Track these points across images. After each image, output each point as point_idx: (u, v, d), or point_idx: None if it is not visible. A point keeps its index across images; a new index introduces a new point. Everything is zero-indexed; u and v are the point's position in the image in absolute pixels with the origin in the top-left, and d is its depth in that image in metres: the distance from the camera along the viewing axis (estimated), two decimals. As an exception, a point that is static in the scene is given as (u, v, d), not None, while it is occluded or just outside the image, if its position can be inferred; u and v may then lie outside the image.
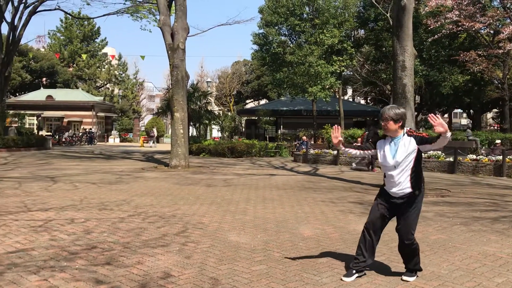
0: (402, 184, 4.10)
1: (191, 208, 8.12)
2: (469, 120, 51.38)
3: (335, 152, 19.78)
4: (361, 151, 4.43)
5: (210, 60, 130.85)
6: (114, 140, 49.04)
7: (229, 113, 47.69)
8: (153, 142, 40.57)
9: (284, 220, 7.19)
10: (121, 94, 60.98)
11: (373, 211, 4.32)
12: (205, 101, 29.21)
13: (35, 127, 44.99)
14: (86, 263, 4.66)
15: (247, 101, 60.52)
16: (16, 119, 40.30)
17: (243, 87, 55.72)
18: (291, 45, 29.68)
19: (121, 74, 62.80)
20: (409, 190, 4.11)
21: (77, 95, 48.94)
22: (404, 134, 4.11)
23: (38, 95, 47.42)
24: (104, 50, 60.89)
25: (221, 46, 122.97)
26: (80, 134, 43.09)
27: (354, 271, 4.29)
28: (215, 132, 46.99)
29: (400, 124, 4.08)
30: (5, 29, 29.11)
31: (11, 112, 36.00)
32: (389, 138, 4.18)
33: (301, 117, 36.16)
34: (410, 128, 4.28)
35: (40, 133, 40.82)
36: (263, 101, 58.71)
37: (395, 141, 4.13)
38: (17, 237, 5.70)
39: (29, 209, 7.69)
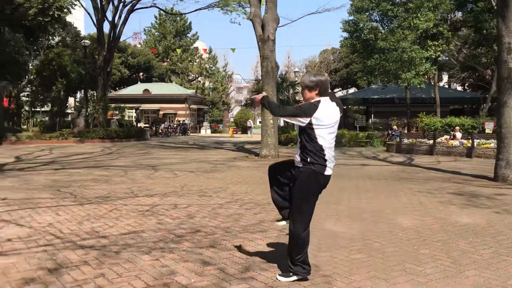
0: (296, 154, 3.85)
1: (285, 196, 8.22)
2: None
3: (431, 141, 18.92)
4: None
5: (297, 50, 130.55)
6: (205, 131, 50.82)
7: (317, 103, 47.24)
8: (250, 132, 42.55)
9: (380, 210, 7.06)
10: (211, 86, 62.95)
11: None
12: (293, 91, 29.27)
13: (133, 119, 47.92)
14: (192, 246, 4.94)
15: (335, 90, 59.68)
16: (117, 112, 43.26)
17: (331, 76, 54.99)
18: (383, 31, 28.70)
19: (212, 67, 64.79)
20: (298, 161, 3.83)
21: (171, 88, 51.36)
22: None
23: (136, 89, 50.43)
24: (195, 45, 63.14)
25: (308, 35, 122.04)
26: (175, 125, 45.20)
27: None
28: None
29: (316, 91, 3.80)
30: (106, 27, 31.23)
31: (112, 105, 38.67)
32: None
33: (393, 105, 34.96)
34: (319, 100, 3.80)
35: (139, 125, 43.41)
36: (351, 90, 57.59)
37: None
38: (128, 220, 6.16)
39: (136, 195, 8.26)
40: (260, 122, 67.50)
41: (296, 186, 3.82)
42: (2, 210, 6.75)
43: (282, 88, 27.53)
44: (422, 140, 19.79)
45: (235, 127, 48.89)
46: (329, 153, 3.78)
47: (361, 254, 4.70)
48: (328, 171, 3.79)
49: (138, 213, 6.62)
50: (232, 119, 59.78)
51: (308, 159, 3.74)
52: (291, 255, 3.86)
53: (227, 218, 6.34)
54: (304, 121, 3.69)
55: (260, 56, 16.67)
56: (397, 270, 4.21)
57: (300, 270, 3.85)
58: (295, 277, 3.86)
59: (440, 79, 48.19)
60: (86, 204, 7.30)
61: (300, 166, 3.79)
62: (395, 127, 23.90)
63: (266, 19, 16.38)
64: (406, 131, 26.54)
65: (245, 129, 47.52)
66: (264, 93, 4.07)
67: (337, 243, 5.11)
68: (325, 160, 3.75)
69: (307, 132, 3.72)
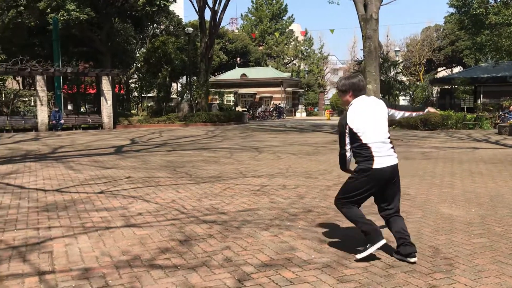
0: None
1: (393, 179, 8.09)
2: None
3: (551, 123, 17.33)
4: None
5: (396, 28, 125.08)
6: (300, 114, 50.89)
7: (418, 83, 45.20)
8: None
9: (498, 195, 6.71)
10: (307, 69, 62.67)
11: None
12: (394, 71, 28.24)
13: (231, 103, 49.32)
14: (307, 224, 5.10)
15: (438, 69, 56.50)
16: (217, 96, 44.86)
17: (434, 55, 52.09)
18: (495, 4, 26.54)
19: (307, 50, 64.41)
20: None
21: (267, 72, 51.98)
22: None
23: (234, 74, 51.76)
24: (291, 27, 63.11)
25: (409, 13, 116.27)
26: (271, 109, 45.81)
27: None
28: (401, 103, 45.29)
29: (349, 94, 3.95)
30: (207, 15, 32.33)
31: (213, 90, 40.13)
32: None
33: (506, 84, 32.27)
34: (352, 102, 3.95)
35: (236, 108, 44.63)
36: (456, 69, 54.11)
37: None
38: (242, 199, 6.48)
39: (245, 175, 8.62)
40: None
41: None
42: (129, 187, 7.43)
43: (384, 68, 26.65)
44: (541, 122, 18.20)
45: (331, 109, 48.39)
46: (378, 147, 3.85)
47: (482, 238, 4.55)
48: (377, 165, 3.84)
49: (250, 192, 6.93)
50: (327, 102, 59.21)
51: (358, 159, 3.93)
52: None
53: (337, 199, 6.41)
54: (348, 131, 3.87)
55: (362, 36, 16.31)
56: (525, 256, 4.03)
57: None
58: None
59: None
60: (201, 183, 7.78)
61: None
62: (511, 108, 22.10)
63: (369, -3, 15.95)
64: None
65: (341, 112, 46.88)
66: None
67: (455, 227, 4.98)
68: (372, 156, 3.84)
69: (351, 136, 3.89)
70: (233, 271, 3.69)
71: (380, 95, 25.54)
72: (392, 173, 3.95)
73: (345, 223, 5.13)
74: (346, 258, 3.99)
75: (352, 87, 3.94)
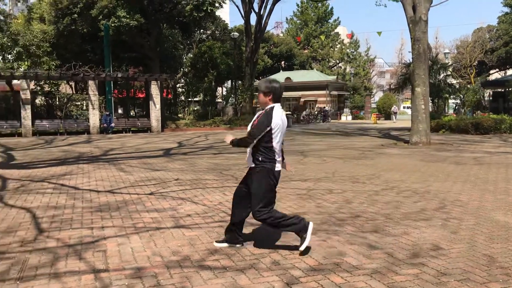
0: (249, 156, 4.21)
1: (444, 185, 7.88)
2: None
3: None
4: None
5: (446, 30, 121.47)
6: (346, 117, 50.25)
7: (469, 86, 43.67)
8: (395, 118, 42.63)
9: (559, 203, 6.39)
10: (352, 72, 61.86)
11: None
12: (444, 73, 27.44)
13: (276, 106, 49.22)
14: (355, 230, 5.04)
15: (491, 72, 54.36)
16: (262, 100, 44.89)
17: (486, 56, 50.16)
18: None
19: (353, 52, 63.62)
20: (251, 163, 4.19)
21: (312, 75, 51.68)
22: (257, 115, 4.14)
23: (278, 78, 51.76)
24: (336, 30, 62.55)
25: (459, 14, 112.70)
26: (316, 112, 45.51)
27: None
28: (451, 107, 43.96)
29: (269, 97, 4.12)
30: (252, 20, 32.57)
31: (257, 94, 40.31)
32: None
33: None
34: (274, 106, 4.13)
35: (281, 112, 44.51)
36: (510, 71, 51.93)
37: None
38: (288, 202, 6.49)
39: (291, 179, 8.61)
40: (404, 107, 64.63)
41: (256, 184, 4.17)
42: (177, 189, 7.59)
43: (433, 71, 25.95)
44: None
45: (378, 113, 47.54)
46: (279, 153, 4.20)
47: (542, 249, 4.35)
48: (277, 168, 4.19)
49: (297, 196, 6.92)
50: (374, 105, 58.19)
51: (260, 158, 4.13)
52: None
53: (385, 205, 6.30)
54: (268, 129, 4.07)
55: (411, 38, 15.95)
56: None
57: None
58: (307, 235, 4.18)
59: None
60: (247, 186, 7.83)
61: (257, 169, 4.15)
62: None
63: (419, -1, 15.60)
64: None
65: (388, 115, 45.99)
66: (229, 136, 4.41)
67: (512, 236, 4.79)
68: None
69: (265, 138, 4.09)
70: (281, 274, 3.70)
71: (429, 99, 24.94)
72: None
73: (395, 228, 5.04)
74: (396, 265, 3.92)
75: (274, 92, 4.15)
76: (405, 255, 4.18)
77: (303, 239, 4.18)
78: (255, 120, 4.17)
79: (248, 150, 4.23)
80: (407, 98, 66.86)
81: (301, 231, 4.20)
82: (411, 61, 20.57)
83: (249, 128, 4.21)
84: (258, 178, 4.16)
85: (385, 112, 47.72)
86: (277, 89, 4.17)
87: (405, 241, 4.59)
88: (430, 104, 32.25)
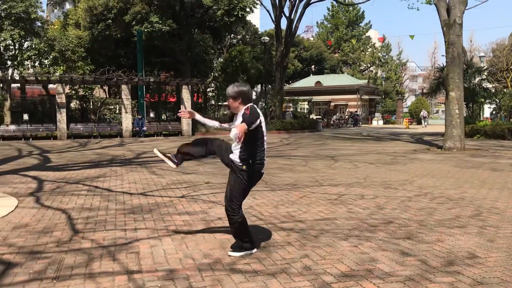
0: (234, 154, 4.18)
1: (479, 192, 7.68)
2: None
3: None
4: (219, 123, 4.61)
5: (481, 33, 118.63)
6: (377, 122, 49.64)
7: (506, 90, 42.44)
8: (425, 122, 42.05)
9: None
10: (384, 76, 61.11)
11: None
12: (479, 78, 26.77)
13: (305, 111, 49.17)
14: (387, 236, 4.97)
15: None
16: (291, 104, 44.94)
17: (525, 60, 48.61)
18: None
19: (385, 56, 62.87)
20: (237, 161, 4.15)
21: (343, 79, 51.28)
22: (242, 111, 4.16)
23: (308, 82, 51.62)
24: (367, 34, 61.95)
25: (495, 16, 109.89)
26: (346, 116, 45.12)
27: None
28: (487, 112, 42.82)
29: (239, 101, 4.16)
30: (282, 24, 32.55)
31: (287, 98, 40.29)
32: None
33: None
34: (250, 105, 4.17)
35: (310, 116, 44.43)
36: (550, 75, 50.19)
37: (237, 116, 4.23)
38: (319, 207, 6.44)
39: (321, 184, 8.56)
40: (436, 112, 63.29)
41: (236, 180, 4.22)
42: (208, 193, 7.65)
43: (467, 75, 25.36)
44: None
45: (410, 117, 46.77)
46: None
47: None
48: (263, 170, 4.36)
49: (327, 201, 6.87)
50: (406, 109, 57.28)
51: (251, 161, 4.15)
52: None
53: (418, 211, 6.19)
54: (257, 123, 4.10)
55: (445, 42, 15.62)
56: None
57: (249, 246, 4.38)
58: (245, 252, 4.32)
59: None
60: (277, 190, 7.84)
61: (244, 167, 4.15)
62: None
63: (453, 1, 15.26)
64: None
65: (420, 120, 45.19)
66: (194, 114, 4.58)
67: (552, 245, 4.62)
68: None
69: (251, 137, 4.12)
70: (313, 280, 3.68)
71: (464, 103, 24.39)
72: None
73: (429, 235, 4.94)
74: (431, 272, 3.84)
75: (243, 95, 4.19)
76: (440, 262, 4.09)
77: (241, 248, 4.33)
78: (244, 113, 4.10)
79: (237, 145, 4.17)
80: (440, 103, 65.58)
81: (246, 245, 4.35)
82: (444, 65, 20.17)
83: (236, 126, 4.09)
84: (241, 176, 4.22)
85: (417, 116, 46.90)
86: (246, 92, 4.23)
87: (439, 249, 4.49)
88: (464, 109, 31.57)
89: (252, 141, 4.13)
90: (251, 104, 4.21)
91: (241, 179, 4.18)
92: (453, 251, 4.42)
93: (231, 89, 4.24)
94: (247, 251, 4.34)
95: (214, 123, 4.64)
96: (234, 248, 4.37)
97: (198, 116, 4.61)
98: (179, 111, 4.52)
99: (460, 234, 5.04)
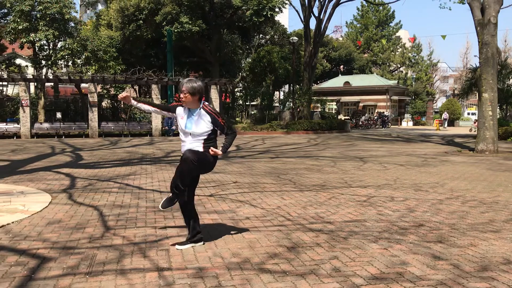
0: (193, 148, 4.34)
1: (514, 196, 7.47)
2: None
3: None
4: (155, 108, 4.62)
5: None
6: (407, 123, 48.89)
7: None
8: (445, 124, 41.91)
9: None
10: (414, 76, 60.15)
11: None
12: (514, 79, 26.04)
13: (333, 111, 48.81)
14: (418, 239, 4.88)
15: None
16: (319, 104, 44.67)
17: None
18: None
19: (415, 56, 61.86)
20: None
21: (372, 80, 50.72)
22: (200, 108, 4.32)
23: (337, 82, 51.24)
24: (398, 33, 61.09)
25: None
26: (375, 117, 44.59)
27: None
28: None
29: (197, 97, 4.29)
30: (311, 24, 32.42)
31: (315, 98, 40.08)
32: (188, 108, 4.37)
33: None
34: (205, 103, 4.39)
35: (339, 117, 44.07)
36: None
37: (192, 112, 4.35)
38: (348, 209, 6.39)
39: (350, 185, 8.48)
40: (468, 113, 61.93)
41: (185, 165, 4.34)
42: (236, 192, 7.68)
43: (501, 76, 24.71)
44: None
45: (440, 119, 45.90)
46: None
47: None
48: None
49: (356, 203, 6.81)
50: (436, 111, 56.20)
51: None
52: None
53: (450, 214, 6.06)
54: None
55: (478, 42, 15.27)
56: None
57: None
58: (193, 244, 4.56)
59: None
60: (305, 191, 7.80)
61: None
62: None
63: (488, 0, 14.90)
64: None
65: (451, 121, 44.32)
66: (218, 151, 4.54)
67: None
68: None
69: (215, 133, 4.47)
70: (342, 281, 3.65)
71: (497, 105, 23.79)
72: None
73: (461, 239, 4.84)
74: (463, 277, 3.76)
75: (200, 92, 4.33)
76: (473, 267, 4.00)
77: (192, 240, 4.56)
78: (217, 120, 4.38)
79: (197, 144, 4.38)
80: (472, 104, 64.09)
81: (197, 236, 4.59)
82: (477, 65, 19.71)
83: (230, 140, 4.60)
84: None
85: (449, 118, 46.01)
86: (202, 88, 4.40)
87: (472, 253, 4.39)
88: (497, 110, 30.79)
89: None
90: (206, 103, 4.41)
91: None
92: (487, 256, 4.32)
93: (189, 85, 4.29)
94: (198, 240, 4.62)
95: (149, 108, 4.65)
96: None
97: (133, 101, 4.55)
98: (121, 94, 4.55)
99: (494, 238, 4.92)
